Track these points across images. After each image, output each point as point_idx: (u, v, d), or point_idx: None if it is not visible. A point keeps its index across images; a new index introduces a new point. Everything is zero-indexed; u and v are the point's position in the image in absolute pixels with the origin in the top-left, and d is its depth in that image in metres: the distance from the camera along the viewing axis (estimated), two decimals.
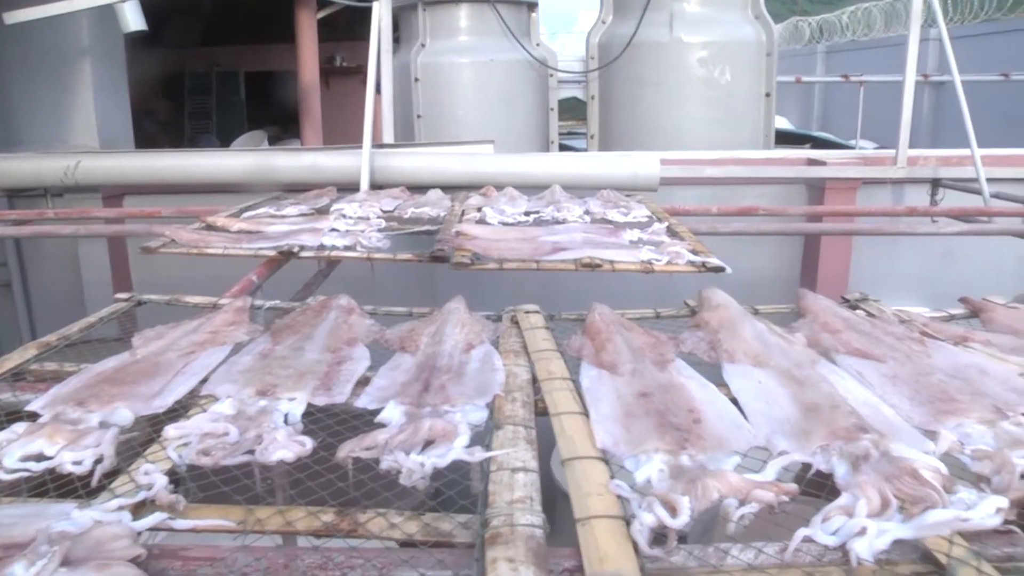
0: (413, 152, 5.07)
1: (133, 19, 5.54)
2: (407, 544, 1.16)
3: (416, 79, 6.81)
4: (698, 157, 5.08)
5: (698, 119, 5.92)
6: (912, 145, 4.96)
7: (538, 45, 7.02)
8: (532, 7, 7.04)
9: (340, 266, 3.82)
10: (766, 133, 6.04)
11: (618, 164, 4.50)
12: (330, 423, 1.62)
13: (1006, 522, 1.07)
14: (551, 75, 6.94)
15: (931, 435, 1.31)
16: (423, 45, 6.85)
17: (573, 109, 11.45)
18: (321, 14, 7.90)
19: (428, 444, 1.42)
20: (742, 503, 1.13)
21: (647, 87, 5.98)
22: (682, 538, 1.09)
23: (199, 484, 1.39)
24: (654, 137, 5.86)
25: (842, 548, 1.04)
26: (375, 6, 5.00)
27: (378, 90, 4.85)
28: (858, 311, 1.98)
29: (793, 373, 1.49)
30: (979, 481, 1.19)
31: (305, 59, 7.76)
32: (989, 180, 5.06)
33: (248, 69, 13.61)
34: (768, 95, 6.03)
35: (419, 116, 6.86)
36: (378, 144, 4.95)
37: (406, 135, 7.00)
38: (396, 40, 7.27)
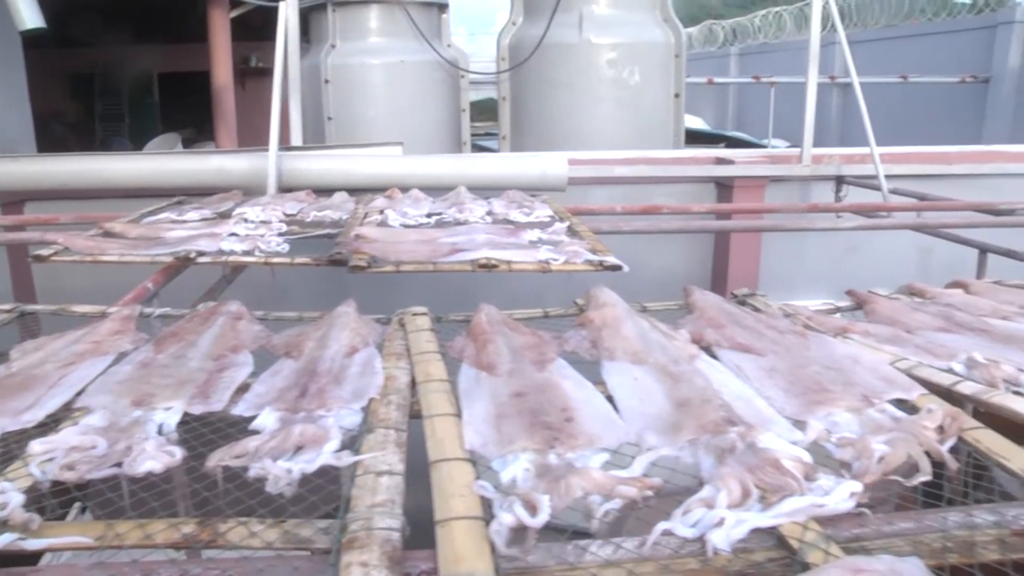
0: (321, 155, 4.99)
1: (28, 16, 5.30)
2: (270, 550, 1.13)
3: (326, 80, 6.72)
4: (607, 157, 5.11)
5: (608, 119, 5.96)
6: (822, 144, 5.09)
7: (449, 46, 6.98)
8: (443, 8, 7.01)
9: (246, 271, 3.74)
10: (676, 133, 6.11)
11: (526, 165, 4.50)
12: (205, 432, 1.57)
13: (860, 505, 1.08)
14: (462, 76, 6.91)
15: (803, 425, 1.32)
16: (333, 46, 6.76)
17: (491, 110, 11.46)
18: (234, 13, 7.75)
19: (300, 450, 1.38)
20: (606, 499, 1.11)
21: (557, 88, 6.00)
22: (587, 534, 1.08)
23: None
24: (565, 137, 5.88)
25: (701, 539, 1.03)
26: (281, 6, 4.92)
27: None
28: (745, 306, 1.99)
29: (669, 369, 1.49)
30: (842, 467, 1.20)
31: (218, 59, 7.60)
32: (888, 177, 5.22)
33: (162, 70, 13.25)
34: (677, 96, 6.10)
35: (330, 118, 6.77)
36: (286, 147, 4.86)
37: (317, 137, 6.90)
38: (307, 41, 7.17)
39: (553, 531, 1.10)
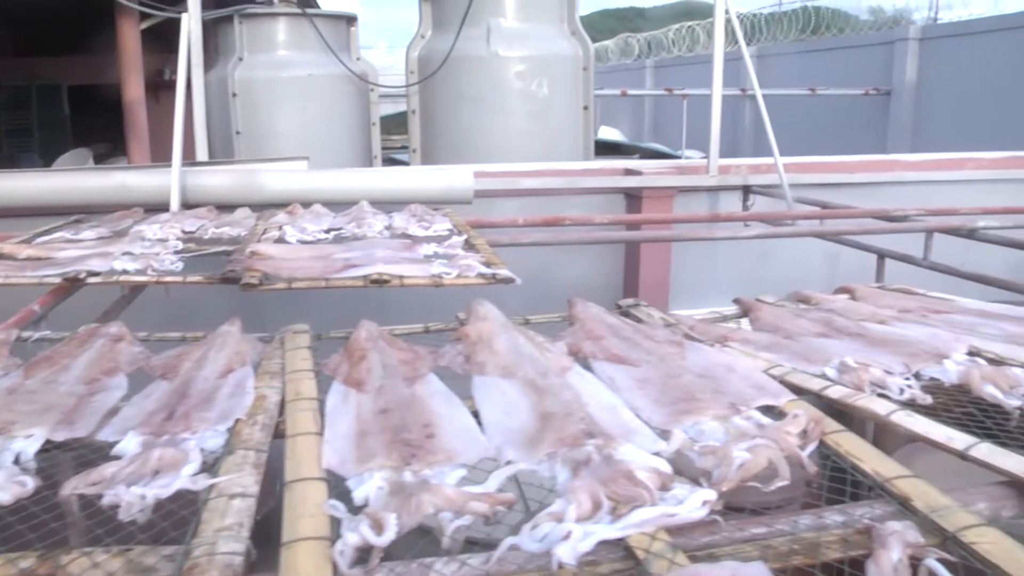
0: (225, 170, 4.89)
1: None
2: None
3: (234, 94, 6.59)
4: (515, 169, 5.11)
5: (518, 132, 5.97)
6: (737, 154, 5.17)
7: (358, 59, 6.92)
8: (351, 21, 6.94)
9: (148, 291, 3.63)
10: (585, 145, 6.15)
11: (432, 178, 4.47)
12: (66, 459, 1.50)
13: (714, 512, 1.07)
14: (372, 90, 6.85)
15: (670, 435, 1.31)
16: (240, 59, 6.64)
17: (407, 123, 11.42)
18: (144, 24, 7.54)
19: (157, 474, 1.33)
20: (457, 516, 1.09)
21: (467, 101, 5.99)
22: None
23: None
24: (475, 150, 5.87)
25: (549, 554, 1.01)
26: (184, 17, 4.82)
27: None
28: (628, 317, 1.99)
29: (537, 383, 1.47)
30: (702, 476, 1.19)
31: (129, 72, 7.38)
32: (794, 186, 5.33)
33: (72, 82, 12.80)
34: (586, 108, 6.14)
35: (238, 132, 6.64)
36: (191, 162, 4.75)
37: (226, 152, 6.77)
38: (215, 53, 7.03)
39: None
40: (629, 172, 5.23)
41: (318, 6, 9.02)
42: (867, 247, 4.27)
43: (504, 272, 2.46)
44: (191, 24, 4.79)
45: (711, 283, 5.41)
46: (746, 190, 5.29)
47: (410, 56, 6.43)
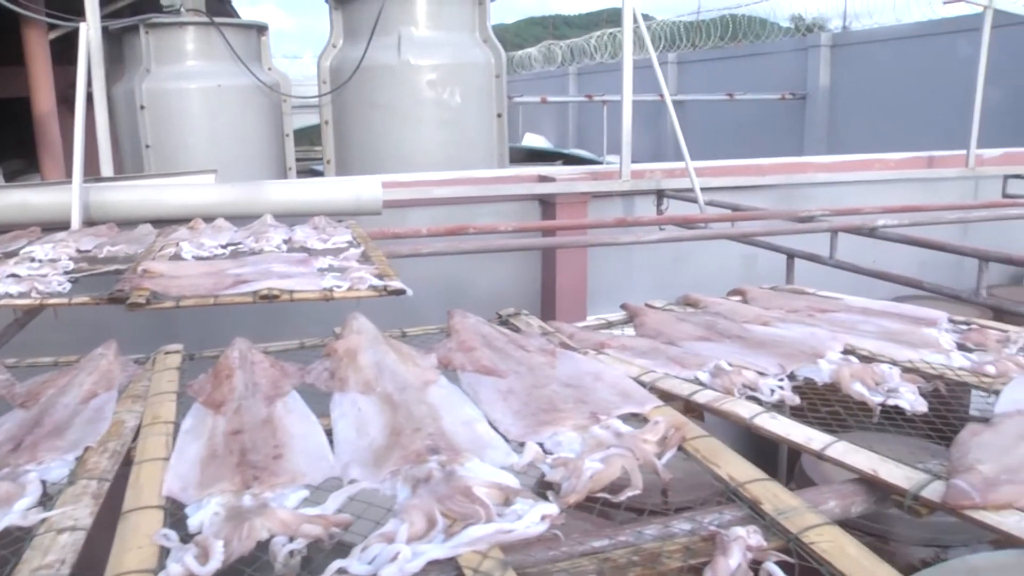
0: (129, 185, 4.75)
1: None
2: None
3: (142, 107, 6.41)
4: (427, 178, 5.06)
5: (431, 141, 5.92)
6: (660, 158, 5.19)
7: (270, 69, 6.79)
8: (262, 30, 6.81)
9: (46, 313, 3.50)
10: (500, 153, 6.13)
11: (339, 189, 4.39)
12: None
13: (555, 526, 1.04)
14: (284, 100, 6.74)
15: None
16: (148, 70, 6.46)
17: None
18: (53, 35, 7.30)
19: None
20: (292, 539, 1.04)
21: (379, 110, 5.92)
22: None
23: None
24: (389, 160, 5.80)
25: None
26: (82, 28, 4.67)
27: None
28: (507, 326, 1.96)
29: (394, 398, 1.43)
30: (553, 488, 1.16)
31: (39, 85, 7.12)
32: (709, 189, 5.39)
33: None
34: (500, 116, 6.12)
35: (148, 146, 6.46)
36: (94, 178, 4.61)
37: (136, 167, 6.59)
38: (122, 64, 6.84)
39: None
40: (543, 179, 5.22)
41: (236, 14, 8.86)
42: (777, 248, 4.32)
43: (396, 284, 2.41)
44: (90, 33, 4.64)
45: (629, 287, 5.43)
46: (659, 194, 5.33)
47: (322, 66, 6.33)
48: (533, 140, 12.73)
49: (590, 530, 1.05)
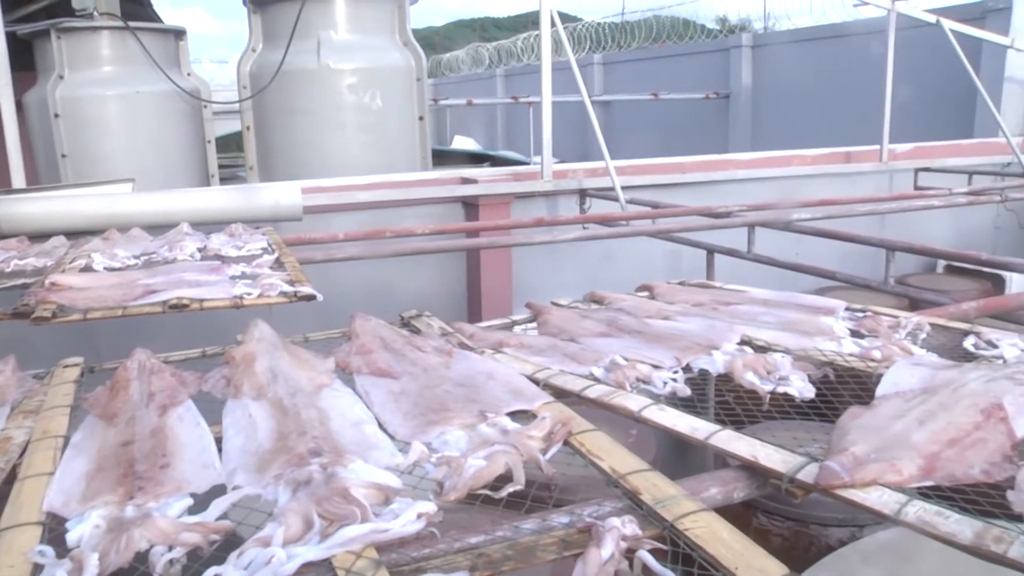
0: (41, 197, 4.63)
1: None
2: None
3: (56, 115, 6.25)
4: (349, 183, 5.04)
5: (353, 145, 5.89)
6: (589, 158, 5.22)
7: (189, 75, 6.67)
8: (180, 35, 6.68)
9: None
10: (423, 156, 6.13)
11: (258, 196, 4.34)
12: None
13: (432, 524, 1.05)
14: (205, 106, 6.63)
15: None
16: (61, 77, 6.29)
17: None
18: None
19: None
20: (171, 548, 1.03)
21: (300, 115, 5.87)
22: None
23: None
24: (312, 165, 5.76)
25: None
26: None
27: None
28: (408, 328, 1.97)
29: (284, 403, 1.42)
30: (437, 486, 1.17)
31: None
32: (631, 187, 5.46)
33: None
34: (421, 119, 6.12)
35: (64, 156, 6.30)
36: (5, 190, 4.49)
37: (52, 177, 6.42)
38: (35, 71, 6.66)
39: None
40: (465, 181, 5.23)
41: (158, 18, 8.68)
42: (697, 243, 4.40)
43: (306, 289, 2.41)
44: None
45: (555, 286, 5.46)
46: (582, 194, 5.39)
47: (241, 71, 6.25)
48: (462, 143, 12.75)
49: (467, 526, 1.06)
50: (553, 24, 5.18)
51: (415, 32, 6.34)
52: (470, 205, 5.24)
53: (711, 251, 4.33)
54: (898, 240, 3.81)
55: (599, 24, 14.24)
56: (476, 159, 9.42)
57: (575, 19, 16.46)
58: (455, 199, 5.25)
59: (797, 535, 3.08)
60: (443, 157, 9.55)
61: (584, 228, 4.72)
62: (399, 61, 6.06)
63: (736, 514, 3.31)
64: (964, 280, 5.93)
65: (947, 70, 6.73)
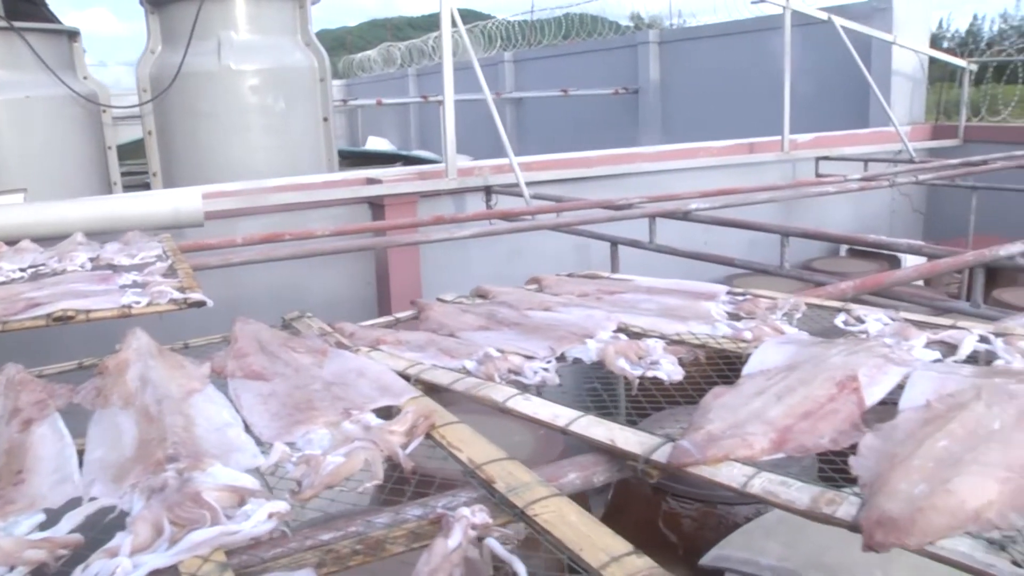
0: None
1: None
2: None
3: None
4: (252, 186, 4.97)
5: (257, 148, 5.82)
6: (502, 155, 5.23)
7: (85, 79, 6.47)
8: (74, 36, 6.45)
9: None
10: (328, 157, 6.08)
11: (156, 202, 4.26)
12: None
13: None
14: (104, 111, 6.44)
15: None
16: None
17: None
18: None
19: None
20: (13, 568, 1.01)
21: (203, 118, 5.77)
22: None
23: None
24: (216, 170, 5.65)
25: None
26: None
27: None
28: (289, 329, 1.96)
29: (150, 410, 1.41)
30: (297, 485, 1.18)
31: None
32: (538, 183, 5.51)
33: None
34: (326, 120, 6.07)
35: None
36: None
37: None
38: None
39: None
40: (371, 181, 5.21)
41: (56, 19, 8.39)
42: (602, 236, 4.47)
43: (196, 296, 2.38)
44: None
45: (464, 283, 5.43)
46: (488, 190, 5.42)
47: (140, 74, 6.09)
48: (376, 143, 12.68)
49: (318, 524, 1.07)
50: (454, 24, 5.18)
51: (328, 32, 6.33)
52: (376, 205, 5.23)
53: (615, 243, 4.40)
54: (792, 226, 3.93)
55: (509, 22, 14.31)
56: (389, 159, 9.37)
57: (487, 16, 16.50)
58: (361, 200, 5.23)
59: (706, 515, 3.14)
60: (355, 158, 9.48)
61: (491, 224, 4.74)
62: (302, 61, 6.00)
63: (647, 499, 3.38)
64: (864, 262, 6.14)
65: (843, 64, 6.97)
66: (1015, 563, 0.95)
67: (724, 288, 2.25)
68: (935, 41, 8.38)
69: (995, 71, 7.85)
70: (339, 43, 31.60)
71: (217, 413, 1.41)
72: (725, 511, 3.16)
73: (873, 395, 1.46)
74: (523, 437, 3.16)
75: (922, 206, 7.71)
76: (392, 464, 1.24)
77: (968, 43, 8.66)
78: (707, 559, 2.26)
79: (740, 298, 2.16)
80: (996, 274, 5.13)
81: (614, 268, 4.44)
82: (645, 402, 1.68)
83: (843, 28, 6.80)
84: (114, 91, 7.82)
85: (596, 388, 1.70)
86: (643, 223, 4.25)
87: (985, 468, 1.12)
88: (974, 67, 7.71)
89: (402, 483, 1.23)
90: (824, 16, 6.96)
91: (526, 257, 5.66)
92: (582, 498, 3.33)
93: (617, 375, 1.64)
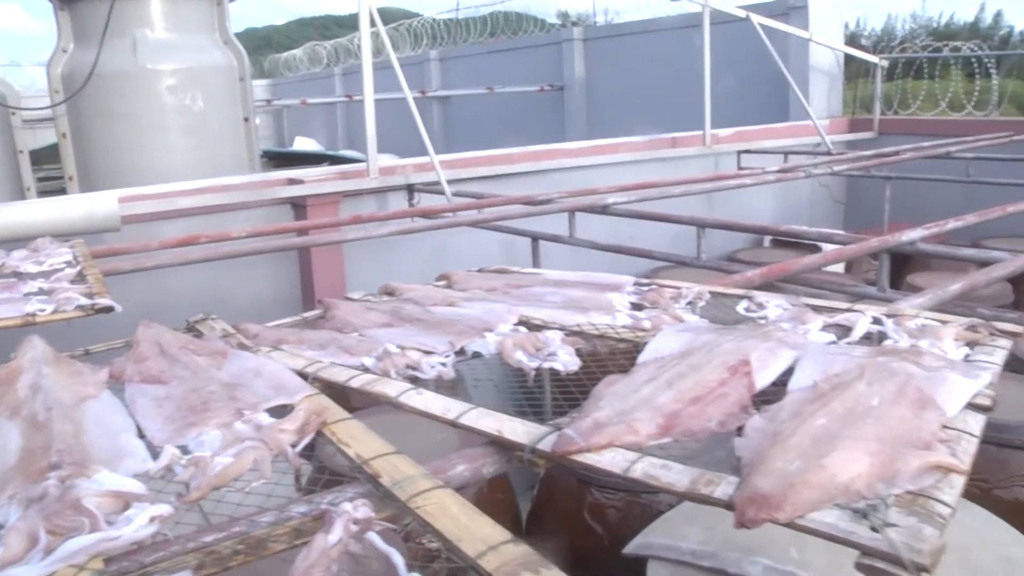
0: None
1: None
2: None
3: None
4: (171, 189, 4.89)
5: (176, 149, 5.72)
6: (427, 154, 5.22)
7: None
8: None
9: None
10: (250, 157, 6.00)
11: (69, 207, 4.15)
12: None
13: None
14: (13, 114, 6.26)
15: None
16: None
17: None
18: None
19: None
20: None
21: (119, 119, 5.64)
22: None
23: None
24: (135, 172, 5.54)
25: None
26: None
27: None
28: (193, 331, 1.95)
29: (39, 419, 1.39)
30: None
31: None
32: (461, 180, 5.53)
33: None
34: (247, 120, 5.99)
35: None
36: None
37: None
38: None
39: None
40: (292, 181, 5.17)
41: None
42: (523, 232, 4.51)
43: (104, 301, 2.34)
44: None
45: (391, 279, 5.45)
46: (410, 189, 5.42)
47: (52, 73, 5.93)
48: (303, 144, 12.57)
49: (204, 526, 1.07)
50: (373, 24, 5.16)
51: (254, 31, 6.24)
52: (299, 206, 5.18)
53: (535, 238, 4.44)
54: (707, 218, 4.01)
55: (435, 20, 14.29)
56: (316, 160, 9.30)
57: (415, 14, 16.42)
58: (284, 201, 5.18)
59: (630, 505, 3.18)
60: (282, 159, 9.39)
61: (413, 221, 4.74)
62: (220, 60, 5.91)
63: (572, 492, 3.40)
64: (786, 252, 6.27)
65: (763, 61, 7.13)
66: (873, 528, 0.99)
67: (631, 279, 2.29)
68: (853, 39, 8.66)
69: (905, 66, 8.13)
70: (266, 42, 31.15)
71: (109, 419, 1.40)
72: (649, 500, 3.21)
73: (764, 378, 1.49)
74: (446, 434, 3.17)
75: (842, 196, 7.94)
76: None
77: (883, 41, 8.97)
78: (630, 547, 2.30)
79: (645, 288, 2.20)
80: (911, 260, 5.31)
81: (535, 263, 4.48)
82: (579, 394, 1.69)
83: (761, 26, 6.95)
84: (28, 93, 7.61)
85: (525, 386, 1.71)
86: (565, 219, 4.29)
87: (858, 443, 1.16)
88: (885, 63, 7.97)
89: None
90: (743, 14, 7.11)
91: (451, 255, 5.67)
92: (507, 491, 3.35)
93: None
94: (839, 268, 5.71)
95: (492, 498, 3.06)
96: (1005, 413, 2.84)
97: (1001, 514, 2.24)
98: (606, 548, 2.94)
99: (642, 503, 3.20)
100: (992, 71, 7.65)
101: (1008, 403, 2.93)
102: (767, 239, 6.65)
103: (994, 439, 2.76)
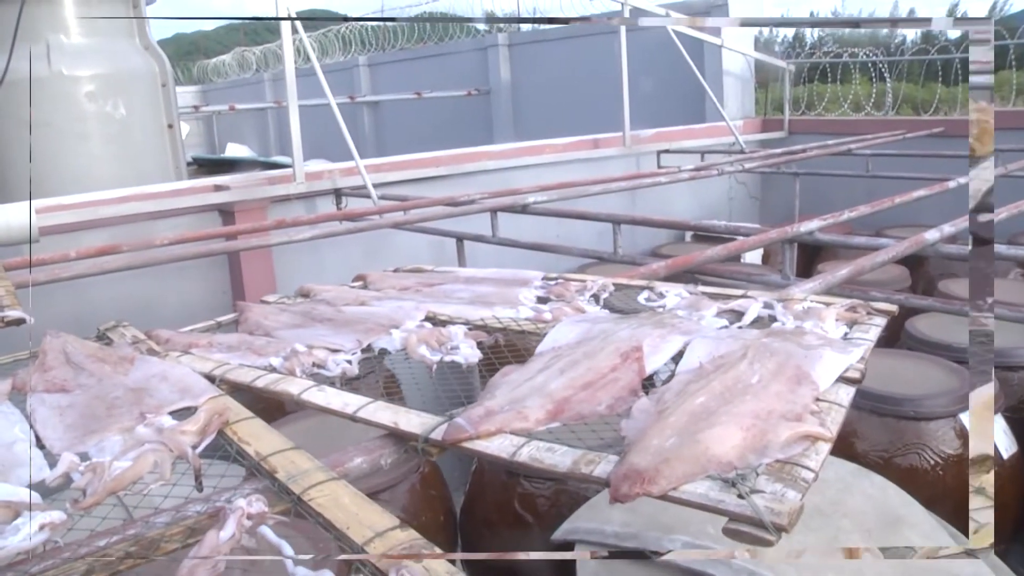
0: None
1: None
2: None
3: None
4: (93, 198, 4.82)
5: (98, 158, 5.61)
6: (363, 157, 5.23)
7: None
8: None
9: None
10: (175, 165, 5.94)
11: None
12: None
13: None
14: None
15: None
16: None
17: None
18: None
19: None
20: None
21: (36, 128, 5.52)
22: None
23: None
24: (55, 182, 5.42)
25: None
26: None
27: None
28: (104, 339, 1.96)
29: None
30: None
31: None
32: (387, 183, 5.56)
33: None
34: (171, 126, 5.92)
35: None
36: None
37: None
38: None
39: None
40: (219, 188, 5.14)
41: None
42: (448, 232, 4.57)
43: (14, 313, 2.33)
44: None
45: (323, 282, 5.47)
46: (337, 193, 5.45)
47: None
48: (236, 150, 12.41)
49: (98, 530, 1.09)
50: (296, 31, 5.17)
51: (183, 36, 6.13)
52: (227, 212, 5.16)
53: (460, 239, 4.50)
54: (623, 215, 4.12)
55: (363, 26, 14.24)
56: (247, 166, 9.22)
57: (338, 15, 16.31)
58: (211, 207, 5.15)
59: (558, 493, 3.25)
60: (212, 165, 9.28)
61: (340, 224, 4.76)
62: (141, 66, 5.82)
63: (503, 484, 3.47)
64: (705, 245, 6.40)
65: (681, 65, 7.31)
66: (740, 496, 1.07)
67: (539, 274, 2.36)
68: (769, 44, 8.98)
69: (811, 71, 8.50)
70: (195, 47, 30.65)
71: (7, 430, 1.41)
72: (576, 488, 3.30)
73: (654, 363, 1.56)
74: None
75: (758, 193, 8.22)
76: None
77: (795, 46, 9.35)
78: (558, 534, 2.38)
79: (552, 283, 2.27)
80: (821, 250, 5.53)
81: (461, 263, 4.54)
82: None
83: (676, 32, 7.17)
84: None
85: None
86: (488, 219, 4.36)
87: (733, 418, 1.23)
88: (792, 67, 8.29)
89: None
90: (663, 11, 7.29)
91: (380, 257, 5.70)
92: (440, 487, 3.38)
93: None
94: (757, 259, 5.90)
95: (425, 494, 3.11)
96: (902, 388, 3.00)
97: (898, 480, 2.37)
98: (537, 536, 3.01)
99: (570, 491, 3.29)
100: (886, 75, 8.03)
101: (905, 378, 3.10)
102: (688, 235, 6.81)
103: (892, 411, 2.92)
